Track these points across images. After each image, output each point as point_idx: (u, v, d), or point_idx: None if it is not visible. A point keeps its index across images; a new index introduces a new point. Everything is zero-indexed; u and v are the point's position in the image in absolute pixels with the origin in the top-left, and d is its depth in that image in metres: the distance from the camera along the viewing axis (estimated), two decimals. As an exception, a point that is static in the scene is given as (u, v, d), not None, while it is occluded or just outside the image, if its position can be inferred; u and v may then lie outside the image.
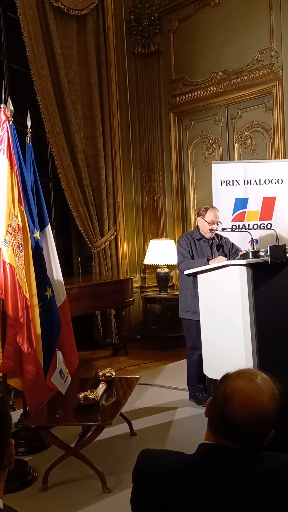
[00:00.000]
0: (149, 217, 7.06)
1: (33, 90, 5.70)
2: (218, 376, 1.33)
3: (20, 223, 3.29)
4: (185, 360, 4.49)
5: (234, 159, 6.15)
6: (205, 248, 4.21)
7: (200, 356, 4.05)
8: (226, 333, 3.74)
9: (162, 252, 6.39)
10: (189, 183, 6.77)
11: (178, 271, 4.43)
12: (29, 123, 3.68)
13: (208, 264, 3.96)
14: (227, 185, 5.26)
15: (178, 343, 6.08)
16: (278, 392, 1.27)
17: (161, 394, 4.53)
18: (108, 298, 5.77)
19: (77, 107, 6.21)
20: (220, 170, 5.30)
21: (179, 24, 6.61)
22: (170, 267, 6.46)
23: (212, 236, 4.25)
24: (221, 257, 4.02)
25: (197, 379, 4.22)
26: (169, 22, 6.70)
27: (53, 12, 5.84)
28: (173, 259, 5.68)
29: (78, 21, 6.21)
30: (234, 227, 5.15)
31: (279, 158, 5.63)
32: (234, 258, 4.10)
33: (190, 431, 3.63)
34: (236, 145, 6.20)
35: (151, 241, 6.62)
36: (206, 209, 4.23)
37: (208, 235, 4.23)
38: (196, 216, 4.84)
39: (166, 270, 6.51)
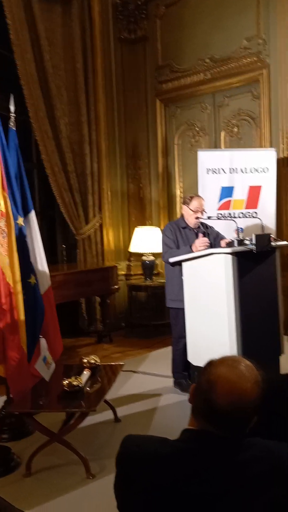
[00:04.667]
0: (135, 204, 7.03)
1: (17, 73, 5.60)
2: (202, 363, 1.33)
3: (3, 210, 3.25)
4: (169, 348, 4.51)
5: (221, 147, 6.14)
6: (191, 236, 4.20)
7: (186, 344, 4.07)
8: (211, 321, 3.76)
9: (147, 240, 6.38)
10: (175, 171, 6.75)
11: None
12: (12, 108, 3.61)
13: (192, 251, 3.96)
14: (213, 173, 5.26)
15: (163, 330, 6.11)
16: (261, 379, 1.28)
17: (145, 381, 4.55)
18: (93, 286, 5.76)
19: (61, 92, 6.13)
20: (206, 158, 5.30)
21: (166, 9, 6.54)
22: (155, 255, 6.46)
23: (197, 224, 4.25)
24: (201, 239, 4.01)
25: (182, 367, 4.25)
26: (155, 8, 6.62)
27: (37, -6, 5.73)
28: (158, 247, 5.68)
29: (63, 5, 6.11)
30: (219, 215, 5.16)
31: (265, 147, 5.64)
32: (219, 247, 4.11)
33: (174, 417, 3.65)
34: (222, 133, 6.19)
35: (136, 228, 6.60)
36: (191, 198, 4.23)
37: (193, 223, 4.22)
38: (181, 205, 4.83)
39: (152, 258, 6.50)
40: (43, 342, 3.08)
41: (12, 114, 3.61)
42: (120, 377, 3.68)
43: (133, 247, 6.56)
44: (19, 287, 3.35)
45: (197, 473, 1.20)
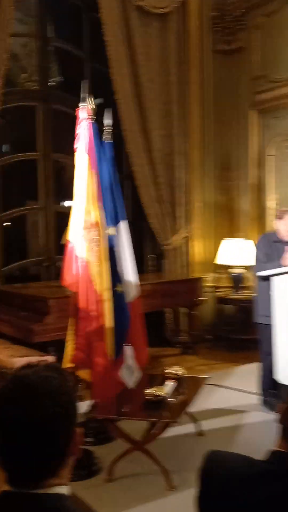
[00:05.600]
0: (224, 216, 6.94)
1: (111, 88, 5.79)
2: (290, 382, 1.28)
3: (96, 219, 3.35)
4: (255, 364, 4.39)
5: None
6: (282, 250, 4.06)
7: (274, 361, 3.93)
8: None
9: (236, 252, 6.26)
10: (269, 183, 6.57)
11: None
12: (109, 121, 3.73)
13: (282, 265, 3.83)
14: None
15: (250, 345, 5.94)
16: None
17: (230, 396, 4.45)
18: (179, 296, 5.76)
19: (155, 105, 6.23)
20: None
21: (264, 19, 6.42)
22: (245, 267, 6.32)
23: (290, 238, 4.11)
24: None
25: (270, 384, 4.11)
26: (253, 18, 6.53)
27: (135, 11, 5.88)
28: (247, 260, 5.56)
29: (161, 20, 6.21)
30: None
31: None
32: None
33: (258, 436, 3.53)
34: None
35: (224, 240, 6.51)
36: (284, 212, 4.11)
37: (286, 238, 4.09)
38: (274, 218, 4.69)
39: (240, 270, 6.38)
40: (129, 350, 3.12)
41: (110, 127, 3.73)
42: (204, 390, 3.63)
43: (221, 259, 6.47)
44: (107, 294, 3.43)
45: (280, 496, 1.15)
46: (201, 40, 6.57)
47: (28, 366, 1.07)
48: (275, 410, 3.52)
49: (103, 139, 3.72)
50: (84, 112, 3.34)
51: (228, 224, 6.94)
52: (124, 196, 6.68)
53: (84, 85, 3.42)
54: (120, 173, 6.61)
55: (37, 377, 1.03)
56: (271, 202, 6.56)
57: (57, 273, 5.71)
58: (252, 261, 4.22)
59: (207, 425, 3.76)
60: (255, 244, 4.48)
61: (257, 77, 6.54)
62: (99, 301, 3.33)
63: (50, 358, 3.56)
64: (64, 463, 1.04)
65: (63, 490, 1.03)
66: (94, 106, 3.35)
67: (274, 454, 1.25)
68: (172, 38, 6.30)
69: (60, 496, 1.02)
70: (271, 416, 3.61)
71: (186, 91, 6.46)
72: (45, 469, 1.01)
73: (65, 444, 1.03)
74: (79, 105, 3.34)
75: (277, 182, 6.48)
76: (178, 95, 6.38)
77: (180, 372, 3.56)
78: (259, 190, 6.67)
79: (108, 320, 3.41)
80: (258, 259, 4.09)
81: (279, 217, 4.12)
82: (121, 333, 3.60)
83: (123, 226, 3.81)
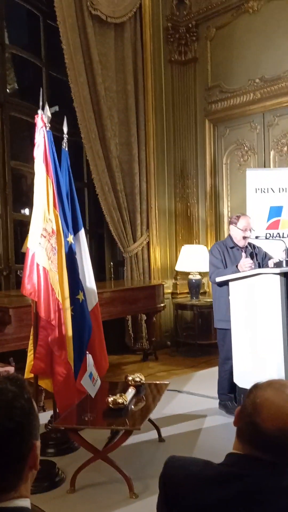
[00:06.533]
0: (182, 223, 7.05)
1: (70, 96, 5.79)
2: (248, 386, 1.32)
3: (54, 227, 3.34)
4: (215, 368, 4.46)
5: (270, 167, 6.09)
6: (239, 256, 4.17)
7: (233, 365, 4.00)
8: (258, 343, 3.69)
9: (194, 259, 6.36)
10: (223, 190, 6.73)
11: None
12: (65, 129, 3.74)
13: (238, 271, 3.92)
14: (262, 192, 5.22)
15: (209, 350, 6.04)
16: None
17: (190, 401, 4.50)
18: (139, 303, 5.79)
19: (113, 114, 6.27)
20: (255, 177, 5.26)
21: (216, 31, 6.61)
22: (202, 273, 6.43)
23: (246, 244, 4.22)
24: (244, 260, 3.96)
25: (228, 388, 4.18)
26: (206, 30, 6.70)
27: (91, 20, 5.92)
28: (205, 266, 5.65)
29: (116, 29, 6.28)
30: (268, 235, 5.10)
31: (315, 166, 5.54)
32: (267, 267, 4.05)
33: (218, 440, 3.59)
34: (272, 153, 6.14)
35: (183, 247, 6.61)
36: (238, 217, 4.21)
37: (241, 243, 4.19)
38: (228, 224, 4.81)
39: (198, 276, 6.48)
40: (89, 358, 3.12)
41: (65, 136, 3.74)
42: (165, 396, 3.66)
43: (180, 266, 6.56)
44: (67, 303, 3.42)
45: (240, 498, 1.18)
46: (156, 50, 6.68)
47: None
48: (233, 413, 3.59)
49: (63, 147, 3.73)
50: (39, 120, 3.34)
51: (187, 230, 7.05)
52: (84, 204, 6.73)
53: (41, 93, 3.41)
54: (81, 181, 6.61)
55: None
56: (225, 210, 6.72)
57: (17, 282, 5.64)
58: (207, 268, 4.30)
59: (168, 431, 3.80)
60: (208, 250, 4.56)
61: (210, 87, 6.71)
62: (60, 310, 3.32)
63: (10, 369, 3.51)
64: (23, 476, 1.03)
65: (25, 503, 1.02)
66: (49, 114, 3.35)
67: (229, 456, 1.29)
68: (128, 47, 6.37)
69: (22, 509, 1.01)
70: (230, 420, 3.67)
71: (142, 100, 6.53)
72: (4, 483, 1.00)
73: (21, 458, 1.01)
74: (38, 112, 3.33)
75: (231, 190, 6.64)
76: (135, 103, 6.45)
77: (141, 379, 3.58)
78: (215, 198, 6.82)
79: (69, 329, 3.40)
80: (214, 265, 4.16)
81: (233, 222, 4.21)
82: (82, 341, 3.59)
83: (82, 234, 3.82)
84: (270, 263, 4.03)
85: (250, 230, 4.15)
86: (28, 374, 3.32)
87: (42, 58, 6.27)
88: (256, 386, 1.28)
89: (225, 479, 1.22)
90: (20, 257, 5.49)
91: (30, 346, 3.39)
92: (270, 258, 4.22)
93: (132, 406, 3.24)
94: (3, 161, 5.91)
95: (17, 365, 4.09)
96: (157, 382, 4.02)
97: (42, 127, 3.33)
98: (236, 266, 3.98)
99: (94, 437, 3.24)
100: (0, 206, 5.95)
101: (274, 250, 4.40)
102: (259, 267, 4.10)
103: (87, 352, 3.34)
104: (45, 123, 3.33)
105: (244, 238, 4.16)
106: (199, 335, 6.33)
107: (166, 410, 4.22)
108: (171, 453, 1.38)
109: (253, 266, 3.94)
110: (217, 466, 1.27)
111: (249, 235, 4.16)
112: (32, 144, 3.39)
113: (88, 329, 3.67)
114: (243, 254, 4.14)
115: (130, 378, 3.57)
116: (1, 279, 5.98)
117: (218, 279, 3.99)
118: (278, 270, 3.59)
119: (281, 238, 4.73)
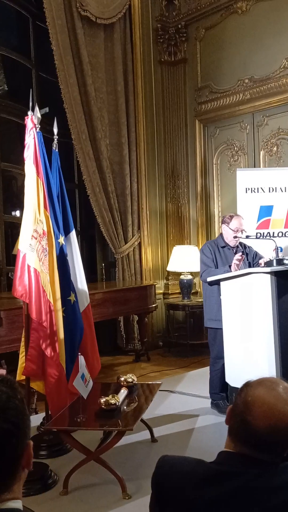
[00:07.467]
0: (173, 223, 7.06)
1: (61, 97, 5.78)
2: (240, 385, 1.32)
3: (45, 229, 3.33)
4: (207, 368, 4.47)
5: (260, 167, 6.12)
6: (230, 255, 4.19)
7: (224, 365, 4.02)
8: (249, 341, 3.71)
9: (185, 259, 6.38)
10: (214, 190, 6.76)
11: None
12: (55, 130, 3.74)
13: (230, 271, 3.93)
14: (252, 192, 5.24)
15: (201, 350, 6.05)
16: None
17: (183, 401, 4.51)
18: (131, 304, 5.79)
19: (103, 114, 6.27)
20: (245, 177, 5.28)
21: (205, 32, 6.63)
22: (194, 274, 6.44)
23: (237, 244, 4.23)
24: (237, 254, 3.98)
25: (219, 387, 4.20)
26: (195, 30, 6.72)
27: (81, 21, 5.91)
28: (196, 266, 5.67)
29: (106, 30, 6.28)
30: (258, 234, 5.12)
31: (305, 166, 5.57)
32: (257, 266, 4.07)
33: (211, 439, 3.60)
34: (261, 153, 6.17)
35: (174, 247, 6.62)
36: (231, 217, 4.22)
37: (232, 242, 4.21)
38: (220, 224, 4.82)
39: (190, 277, 6.49)
40: (81, 359, 3.11)
41: (55, 137, 3.73)
42: (157, 396, 3.67)
43: (171, 266, 6.57)
44: (59, 304, 3.41)
45: (231, 495, 1.19)
46: (145, 51, 6.69)
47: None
48: (224, 412, 3.60)
49: (54, 148, 3.73)
50: (29, 121, 3.33)
51: (178, 231, 7.06)
52: (75, 205, 6.72)
53: (31, 94, 3.41)
54: (72, 182, 6.60)
55: None
56: (216, 210, 6.74)
57: (9, 284, 5.62)
58: (198, 268, 4.31)
59: (160, 431, 3.80)
60: (199, 250, 4.57)
61: (200, 88, 6.73)
62: (52, 311, 3.31)
63: (1, 371, 3.50)
64: (16, 477, 1.03)
65: (17, 504, 1.02)
66: (39, 116, 3.34)
67: (221, 454, 1.30)
68: (118, 48, 6.37)
69: (14, 510, 1.01)
70: (223, 419, 3.68)
71: (133, 101, 6.54)
72: None
73: (16, 458, 1.02)
74: (28, 114, 3.32)
75: (222, 190, 6.66)
76: (126, 104, 6.45)
77: (133, 380, 3.58)
78: (206, 198, 6.84)
79: (61, 331, 3.39)
80: (205, 264, 4.17)
81: (226, 222, 4.23)
82: (73, 342, 3.59)
83: (73, 235, 3.81)
84: (261, 262, 4.05)
85: (242, 231, 4.16)
86: (20, 376, 3.30)
87: (31, 60, 6.25)
88: (247, 385, 1.29)
89: (217, 477, 1.23)
90: (11, 259, 5.47)
91: (22, 348, 3.37)
92: (260, 257, 4.24)
93: (125, 407, 3.24)
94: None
95: (9, 367, 4.07)
96: (150, 382, 4.03)
97: (32, 129, 3.32)
98: (229, 266, 4.00)
99: (87, 438, 3.23)
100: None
101: (264, 249, 4.42)
102: (250, 266, 4.12)
103: (79, 353, 3.33)
104: (35, 125, 3.32)
105: (235, 238, 4.18)
106: (191, 335, 6.34)
107: (158, 410, 4.22)
108: (164, 453, 1.38)
109: (241, 264, 3.96)
110: (209, 465, 1.28)
111: (240, 236, 4.18)
112: (22, 146, 3.38)
113: (80, 331, 3.67)
114: (236, 254, 4.15)
115: (122, 379, 3.57)
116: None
117: (210, 279, 4.00)
118: (268, 269, 3.61)
119: (272, 238, 4.75)
